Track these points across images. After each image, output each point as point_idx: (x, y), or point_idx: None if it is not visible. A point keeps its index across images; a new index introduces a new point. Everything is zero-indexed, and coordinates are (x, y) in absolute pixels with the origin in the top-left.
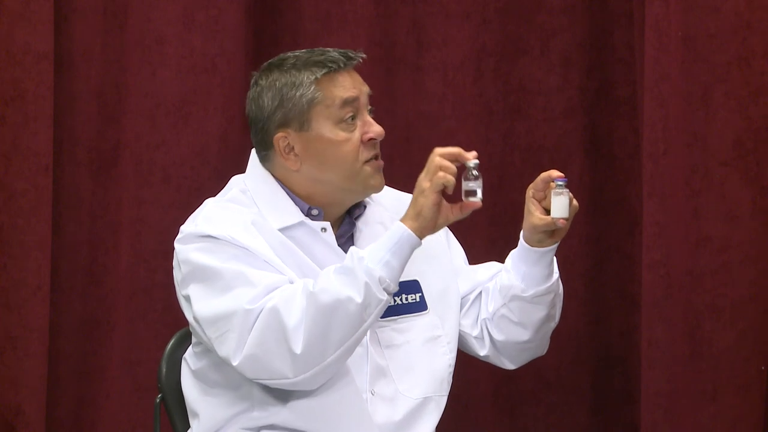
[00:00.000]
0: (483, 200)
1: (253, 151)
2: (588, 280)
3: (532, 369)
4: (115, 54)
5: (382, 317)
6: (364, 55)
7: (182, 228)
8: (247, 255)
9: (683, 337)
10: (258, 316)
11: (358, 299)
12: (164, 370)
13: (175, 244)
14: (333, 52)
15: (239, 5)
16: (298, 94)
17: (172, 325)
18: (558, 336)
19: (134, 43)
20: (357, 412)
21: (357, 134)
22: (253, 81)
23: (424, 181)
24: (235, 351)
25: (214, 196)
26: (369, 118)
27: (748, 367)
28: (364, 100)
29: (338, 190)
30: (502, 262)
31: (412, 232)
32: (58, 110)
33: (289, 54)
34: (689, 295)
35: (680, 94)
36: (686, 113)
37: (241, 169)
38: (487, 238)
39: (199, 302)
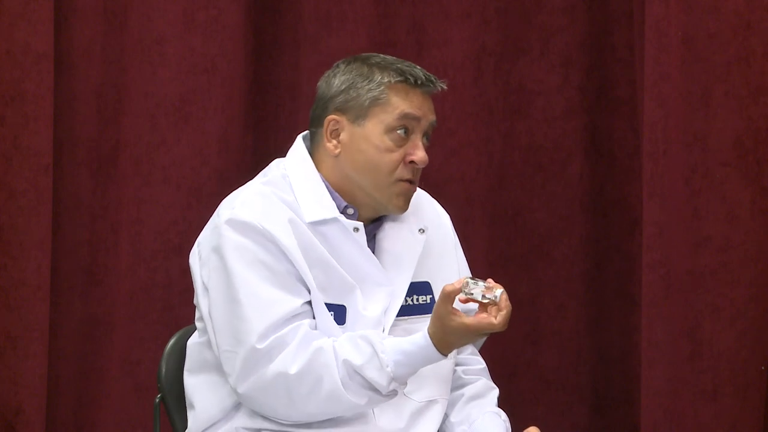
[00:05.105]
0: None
1: (299, 137)
2: (588, 280)
3: (532, 369)
4: (115, 54)
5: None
6: (445, 86)
7: (220, 208)
8: (273, 261)
9: (683, 337)
10: (263, 357)
11: (363, 402)
12: (164, 369)
13: (223, 226)
14: (418, 69)
15: (239, 5)
16: (366, 87)
17: (172, 325)
18: (558, 336)
19: (134, 43)
20: (361, 413)
21: (402, 151)
22: (335, 65)
23: (471, 336)
24: (236, 380)
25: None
26: (420, 142)
27: (748, 367)
28: (424, 124)
29: (364, 194)
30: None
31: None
32: (58, 110)
33: (381, 55)
34: (689, 295)
35: (680, 94)
36: (686, 113)
37: (242, 169)
38: (487, 237)
39: (215, 304)
